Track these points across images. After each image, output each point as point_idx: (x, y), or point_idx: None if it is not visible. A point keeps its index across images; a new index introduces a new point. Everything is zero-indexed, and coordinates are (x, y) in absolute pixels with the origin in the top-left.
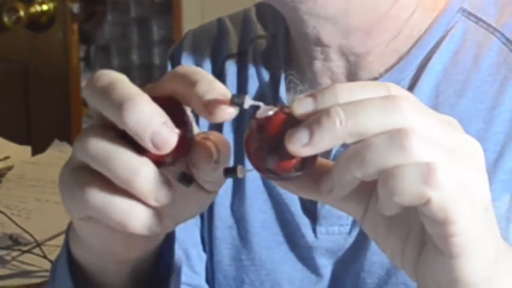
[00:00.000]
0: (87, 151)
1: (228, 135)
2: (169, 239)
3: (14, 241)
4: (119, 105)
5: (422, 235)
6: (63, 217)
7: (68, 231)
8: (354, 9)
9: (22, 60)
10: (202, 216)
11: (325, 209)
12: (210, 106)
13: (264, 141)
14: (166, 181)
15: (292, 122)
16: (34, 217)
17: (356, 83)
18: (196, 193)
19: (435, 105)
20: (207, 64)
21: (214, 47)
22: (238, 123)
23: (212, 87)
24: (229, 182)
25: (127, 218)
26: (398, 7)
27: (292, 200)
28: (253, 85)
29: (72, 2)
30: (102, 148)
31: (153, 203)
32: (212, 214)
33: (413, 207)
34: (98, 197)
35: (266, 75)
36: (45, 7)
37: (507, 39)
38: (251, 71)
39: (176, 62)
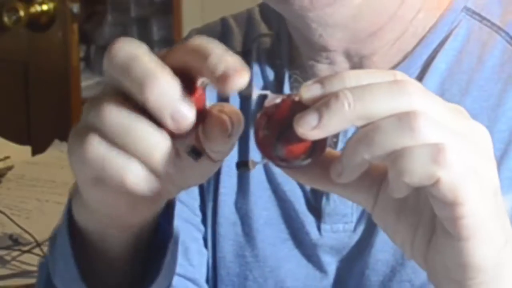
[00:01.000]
0: (104, 119)
1: None
2: (169, 207)
3: (14, 241)
4: (140, 82)
5: (432, 223)
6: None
7: (71, 197)
8: (363, 14)
9: (22, 60)
10: (205, 213)
11: (329, 206)
12: (220, 79)
13: (273, 128)
14: (176, 153)
15: (300, 108)
16: (34, 217)
17: (363, 70)
18: (202, 162)
19: None
20: None
21: None
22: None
23: (223, 59)
24: (233, 179)
25: (126, 175)
26: (404, 7)
27: (297, 198)
28: (257, 84)
29: (72, 2)
30: (122, 119)
31: (162, 173)
32: (215, 211)
33: (424, 194)
34: (98, 152)
35: (270, 74)
36: (45, 7)
37: (511, 38)
38: (256, 69)
39: None
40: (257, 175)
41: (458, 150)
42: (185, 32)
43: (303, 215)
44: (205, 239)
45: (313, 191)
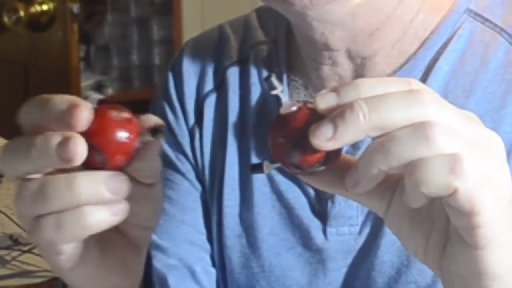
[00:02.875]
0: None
1: (232, 144)
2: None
3: (14, 241)
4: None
5: (445, 230)
6: None
7: None
8: (361, 12)
9: (22, 60)
10: (210, 230)
11: (335, 209)
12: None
13: (289, 136)
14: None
15: (316, 117)
16: None
17: (377, 78)
18: (140, 191)
19: None
20: (209, 73)
21: (215, 55)
22: (242, 130)
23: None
24: (236, 191)
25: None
26: (402, 7)
27: (301, 204)
28: (255, 92)
29: (72, 2)
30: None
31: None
32: (221, 224)
33: (437, 201)
34: (51, 233)
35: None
36: (45, 7)
37: None
38: (253, 78)
39: (177, 72)
40: (260, 185)
41: (474, 159)
42: (185, 32)
43: (308, 220)
44: (212, 257)
45: (318, 195)
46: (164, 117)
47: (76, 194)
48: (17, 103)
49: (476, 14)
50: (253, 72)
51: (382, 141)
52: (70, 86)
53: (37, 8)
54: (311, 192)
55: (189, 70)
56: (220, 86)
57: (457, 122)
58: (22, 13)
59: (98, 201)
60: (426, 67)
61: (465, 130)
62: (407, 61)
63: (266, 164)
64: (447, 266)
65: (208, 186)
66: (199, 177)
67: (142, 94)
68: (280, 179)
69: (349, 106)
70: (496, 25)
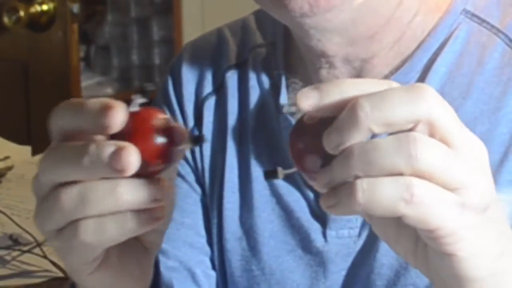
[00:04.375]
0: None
1: (231, 147)
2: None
3: (14, 241)
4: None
5: None
6: None
7: None
8: (361, 17)
9: (22, 60)
10: (210, 232)
11: None
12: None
13: (307, 142)
14: None
15: (329, 122)
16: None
17: (359, 79)
18: (136, 249)
19: None
20: (208, 76)
21: (213, 58)
22: (241, 133)
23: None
24: (236, 194)
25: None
26: (401, 9)
27: (301, 207)
28: (254, 95)
29: (72, 2)
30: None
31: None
32: (221, 227)
33: None
34: (96, 235)
35: (267, 84)
36: (45, 7)
37: (511, 40)
38: (252, 81)
39: (176, 75)
40: (259, 188)
41: (434, 177)
42: (185, 32)
43: (308, 223)
44: (212, 260)
45: (317, 198)
46: None
47: (119, 200)
48: (17, 103)
49: (473, 15)
50: (252, 75)
51: (366, 149)
52: (70, 86)
53: (37, 8)
54: (311, 195)
55: (188, 73)
56: (219, 89)
57: (453, 124)
58: (22, 13)
59: (140, 207)
60: (423, 68)
61: (454, 133)
62: (404, 62)
63: (280, 170)
64: (430, 271)
65: (208, 189)
66: (199, 180)
67: None
68: (279, 182)
69: (351, 107)
70: (493, 26)
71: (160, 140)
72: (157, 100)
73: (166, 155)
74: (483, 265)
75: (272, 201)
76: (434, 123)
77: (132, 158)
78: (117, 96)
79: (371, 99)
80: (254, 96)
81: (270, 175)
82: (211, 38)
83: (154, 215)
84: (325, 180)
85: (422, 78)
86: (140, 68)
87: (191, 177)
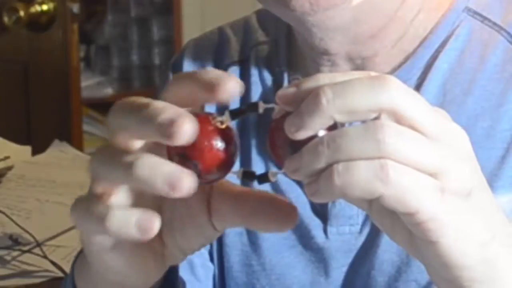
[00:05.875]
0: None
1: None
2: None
3: (14, 241)
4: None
5: None
6: (63, 217)
7: (73, 270)
8: (363, 15)
9: (22, 60)
10: None
11: (335, 208)
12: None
13: (284, 139)
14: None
15: None
16: (34, 217)
17: (338, 73)
18: (207, 228)
19: (442, 103)
20: None
21: (215, 55)
22: (243, 129)
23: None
24: None
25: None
26: (404, 8)
27: (302, 203)
28: (256, 92)
29: (72, 2)
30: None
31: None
32: None
33: None
34: (121, 219)
35: (269, 81)
36: (45, 7)
37: None
38: (254, 77)
39: (177, 72)
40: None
41: (409, 159)
42: (185, 32)
43: (309, 219)
44: (210, 253)
45: None
46: None
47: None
48: (17, 103)
49: (475, 12)
50: (254, 71)
51: (334, 136)
52: (70, 86)
53: (37, 8)
54: None
55: (190, 70)
56: None
57: (421, 112)
58: (22, 13)
59: None
60: (425, 66)
61: (426, 121)
62: (406, 60)
63: (271, 172)
64: (423, 259)
65: None
66: None
67: (142, 94)
68: (281, 177)
69: (314, 93)
70: (495, 24)
71: (222, 146)
72: (158, 97)
73: (228, 162)
74: (471, 252)
75: None
76: (398, 112)
77: (190, 181)
78: (117, 96)
79: (334, 87)
80: (256, 92)
81: (262, 179)
82: (212, 36)
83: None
84: (293, 167)
85: (424, 76)
86: (140, 68)
87: None
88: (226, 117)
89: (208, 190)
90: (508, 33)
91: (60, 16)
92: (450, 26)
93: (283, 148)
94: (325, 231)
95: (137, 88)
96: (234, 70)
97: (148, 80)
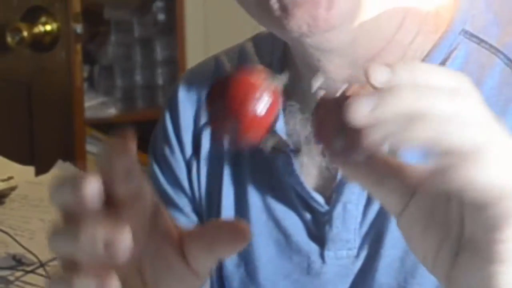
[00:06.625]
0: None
1: (227, 174)
2: None
3: (18, 262)
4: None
5: (459, 239)
6: None
7: None
8: (361, 39)
9: (25, 81)
10: None
11: (332, 232)
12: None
13: (330, 122)
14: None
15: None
16: (37, 238)
17: (434, 68)
18: (188, 276)
19: None
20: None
21: (212, 82)
22: (237, 160)
23: None
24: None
25: None
26: (402, 31)
27: (298, 230)
28: None
29: (75, 22)
30: None
31: None
32: None
33: (454, 206)
34: None
35: None
36: (48, 27)
37: (510, 60)
38: None
39: (173, 107)
40: (256, 214)
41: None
42: (188, 52)
43: (306, 246)
44: (212, 283)
45: (315, 220)
46: (162, 152)
47: None
48: (20, 123)
49: (472, 35)
50: None
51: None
52: (73, 106)
53: (40, 28)
54: (308, 216)
55: (185, 102)
56: None
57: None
58: (25, 33)
59: None
60: None
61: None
62: None
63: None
64: (456, 277)
65: (205, 215)
66: (196, 209)
67: (146, 114)
68: (276, 206)
69: (391, 90)
70: (491, 46)
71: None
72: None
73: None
74: None
75: (269, 226)
76: None
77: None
78: (120, 116)
79: (416, 91)
80: None
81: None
82: (208, 65)
83: None
84: (369, 107)
85: None
86: (143, 88)
87: (188, 209)
88: (277, 83)
89: (178, 240)
90: (505, 55)
91: (63, 37)
92: (447, 49)
93: (329, 131)
94: (322, 256)
95: (140, 108)
96: None
97: (152, 100)
